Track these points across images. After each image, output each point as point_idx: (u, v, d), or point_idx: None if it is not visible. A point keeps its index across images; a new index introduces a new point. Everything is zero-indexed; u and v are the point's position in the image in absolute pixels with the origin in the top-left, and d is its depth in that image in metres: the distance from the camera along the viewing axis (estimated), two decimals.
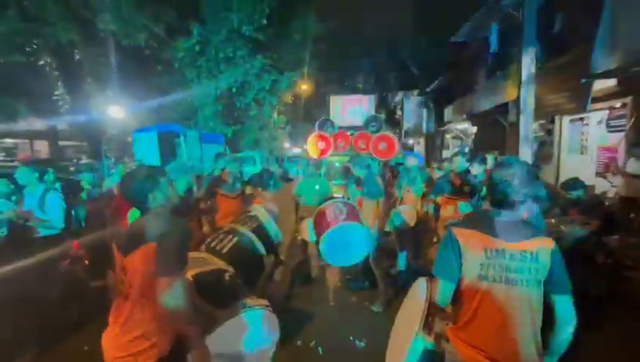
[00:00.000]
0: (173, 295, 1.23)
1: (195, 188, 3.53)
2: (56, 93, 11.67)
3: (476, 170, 3.39)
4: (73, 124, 13.38)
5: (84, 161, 11.54)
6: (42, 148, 15.69)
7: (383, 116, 7.20)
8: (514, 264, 1.19)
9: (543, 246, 1.21)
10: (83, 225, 3.47)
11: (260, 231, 2.65)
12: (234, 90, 13.65)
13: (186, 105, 13.82)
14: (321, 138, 6.51)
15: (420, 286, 1.74)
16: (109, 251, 1.44)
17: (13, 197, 3.36)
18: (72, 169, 8.72)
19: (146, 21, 11.72)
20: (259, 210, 2.84)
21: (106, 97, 12.11)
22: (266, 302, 1.80)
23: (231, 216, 3.35)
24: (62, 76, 11.69)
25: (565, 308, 1.21)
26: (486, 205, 1.31)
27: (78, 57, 11.67)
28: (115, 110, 11.42)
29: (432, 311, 1.46)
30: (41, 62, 11.15)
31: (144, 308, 1.30)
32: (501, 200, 1.26)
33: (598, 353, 2.68)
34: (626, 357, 2.68)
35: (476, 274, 1.23)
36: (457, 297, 1.31)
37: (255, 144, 15.78)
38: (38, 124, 13.11)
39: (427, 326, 1.43)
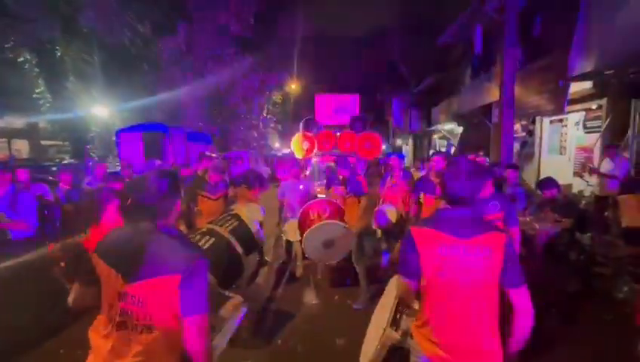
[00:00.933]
0: (198, 336, 1.08)
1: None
2: (37, 90, 11.34)
3: None
4: (55, 122, 13.04)
5: (67, 161, 11.23)
6: (22, 147, 15.15)
7: (369, 116, 7.22)
8: (467, 259, 1.23)
9: (495, 241, 1.25)
10: (58, 225, 3.40)
11: (241, 230, 2.63)
12: (221, 88, 13.56)
13: (172, 103, 13.65)
14: (306, 138, 6.51)
15: (393, 283, 1.78)
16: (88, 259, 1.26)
17: None
18: (53, 169, 8.47)
19: (131, 19, 11.55)
20: (241, 210, 2.82)
21: (89, 96, 11.86)
22: (239, 299, 1.76)
23: (212, 218, 3.31)
24: (43, 73, 11.38)
25: (521, 299, 1.24)
26: (442, 203, 1.35)
27: (60, 54, 11.38)
28: (99, 109, 11.22)
29: (401, 308, 1.49)
30: (21, 59, 10.81)
31: (156, 344, 1.11)
32: (451, 197, 1.31)
33: (574, 346, 2.76)
34: (600, 349, 2.77)
35: (432, 271, 1.26)
36: (420, 294, 1.35)
37: (243, 143, 15.71)
38: (18, 122, 12.71)
39: (395, 322, 1.46)
